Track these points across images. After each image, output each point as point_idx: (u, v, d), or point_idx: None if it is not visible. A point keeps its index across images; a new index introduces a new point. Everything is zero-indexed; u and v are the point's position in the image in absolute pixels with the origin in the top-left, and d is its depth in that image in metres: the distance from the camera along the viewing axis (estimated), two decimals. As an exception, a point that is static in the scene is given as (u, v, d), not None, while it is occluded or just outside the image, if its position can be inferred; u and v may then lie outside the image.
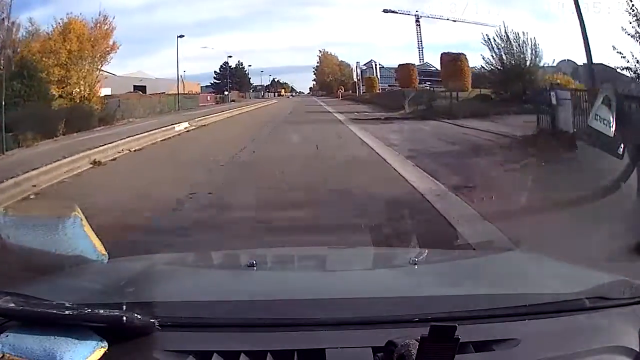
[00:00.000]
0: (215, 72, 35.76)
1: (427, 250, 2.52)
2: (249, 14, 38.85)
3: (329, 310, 1.23)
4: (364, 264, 1.98)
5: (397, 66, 29.46)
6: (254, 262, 1.65)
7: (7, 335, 1.01)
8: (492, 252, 3.29)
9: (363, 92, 31.46)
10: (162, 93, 26.53)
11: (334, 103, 28.33)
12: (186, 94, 28.52)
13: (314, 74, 39.85)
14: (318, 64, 38.88)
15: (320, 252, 2.29)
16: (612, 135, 5.66)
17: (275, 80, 41.00)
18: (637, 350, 1.11)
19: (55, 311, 1.02)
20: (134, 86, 25.79)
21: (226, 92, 33.04)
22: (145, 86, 26.97)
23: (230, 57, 32.72)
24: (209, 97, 32.55)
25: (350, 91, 35.43)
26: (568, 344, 1.13)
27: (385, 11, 28.02)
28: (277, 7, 38.34)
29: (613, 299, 1.28)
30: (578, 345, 1.13)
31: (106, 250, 1.48)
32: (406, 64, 28.25)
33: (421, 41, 29.30)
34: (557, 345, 1.13)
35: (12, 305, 1.02)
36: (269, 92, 39.83)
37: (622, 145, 5.53)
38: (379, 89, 30.13)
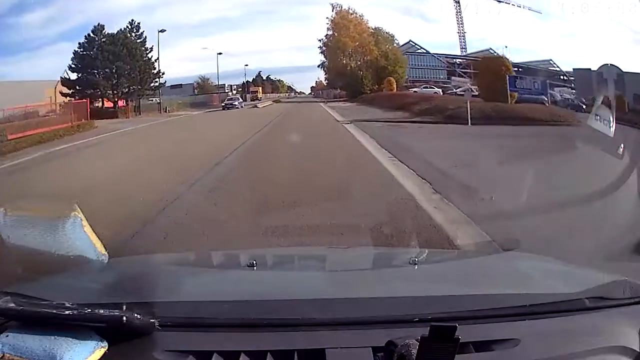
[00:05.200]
0: (75, 52, 18.36)
1: (427, 250, 2.53)
2: (247, 13, 32.66)
3: (329, 310, 1.23)
4: (364, 264, 1.98)
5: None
6: (254, 262, 1.65)
7: (7, 335, 1.01)
8: (492, 252, 3.29)
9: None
10: None
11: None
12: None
13: (322, 53, 21.03)
14: (329, 33, 20.24)
15: (320, 252, 2.29)
16: (612, 135, 5.66)
17: (261, 75, 27.31)
18: (637, 350, 1.11)
19: (55, 311, 1.02)
20: None
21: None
22: None
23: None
24: None
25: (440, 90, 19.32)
26: (568, 344, 1.13)
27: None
28: (276, 6, 33.00)
29: (613, 299, 1.28)
30: (578, 345, 1.13)
31: (106, 250, 1.48)
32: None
33: (462, 24, 20.29)
34: (557, 345, 1.13)
35: (12, 305, 1.03)
36: (246, 92, 25.92)
37: (622, 145, 5.53)
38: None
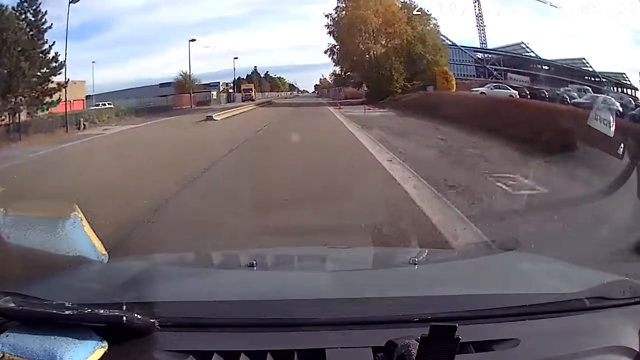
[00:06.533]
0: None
1: (427, 250, 2.52)
2: (251, 12, 34.40)
3: (329, 310, 1.22)
4: (364, 264, 1.98)
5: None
6: (254, 262, 1.65)
7: (7, 335, 1.01)
8: (492, 252, 3.29)
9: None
10: None
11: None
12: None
13: (330, 33, 14.95)
14: (342, 5, 14.45)
15: (320, 252, 2.29)
16: (612, 135, 5.67)
17: (258, 72, 24.44)
18: (637, 350, 1.11)
19: (55, 311, 1.02)
20: None
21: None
22: None
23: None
24: None
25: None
26: (568, 344, 1.13)
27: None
28: (278, 4, 33.83)
29: (613, 299, 1.28)
30: (578, 345, 1.13)
31: (106, 249, 1.48)
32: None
33: (481, 16, 17.26)
34: (557, 345, 1.13)
35: (12, 305, 1.03)
36: (236, 91, 22.78)
37: (622, 145, 5.54)
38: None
